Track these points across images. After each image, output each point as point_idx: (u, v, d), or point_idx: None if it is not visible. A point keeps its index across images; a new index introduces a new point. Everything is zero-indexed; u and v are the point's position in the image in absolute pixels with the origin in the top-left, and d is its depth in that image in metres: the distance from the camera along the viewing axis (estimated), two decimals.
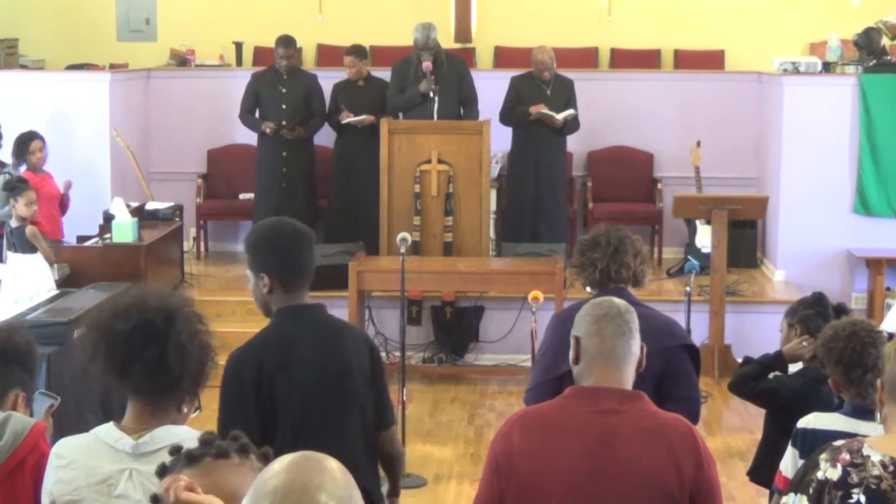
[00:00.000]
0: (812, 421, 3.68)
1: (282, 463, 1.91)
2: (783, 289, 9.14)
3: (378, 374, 3.72)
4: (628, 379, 3.08)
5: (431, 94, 9.00)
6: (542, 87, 9.48)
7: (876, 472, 2.80)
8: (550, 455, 2.97)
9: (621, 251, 4.25)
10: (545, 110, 9.31)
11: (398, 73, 9.42)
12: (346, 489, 1.89)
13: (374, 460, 3.77)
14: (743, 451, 6.90)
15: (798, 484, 2.92)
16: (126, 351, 2.82)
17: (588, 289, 4.37)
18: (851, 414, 3.67)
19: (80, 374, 5.60)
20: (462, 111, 9.34)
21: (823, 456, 2.89)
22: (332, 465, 1.91)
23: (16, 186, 7.75)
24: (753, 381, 4.45)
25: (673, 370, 4.16)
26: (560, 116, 9.31)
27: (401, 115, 9.35)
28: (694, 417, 4.23)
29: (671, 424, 3.02)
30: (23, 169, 8.48)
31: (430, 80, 9.10)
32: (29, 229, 7.63)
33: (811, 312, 4.41)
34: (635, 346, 3.09)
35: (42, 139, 8.59)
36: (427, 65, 9.13)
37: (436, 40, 9.30)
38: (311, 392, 3.54)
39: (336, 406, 3.60)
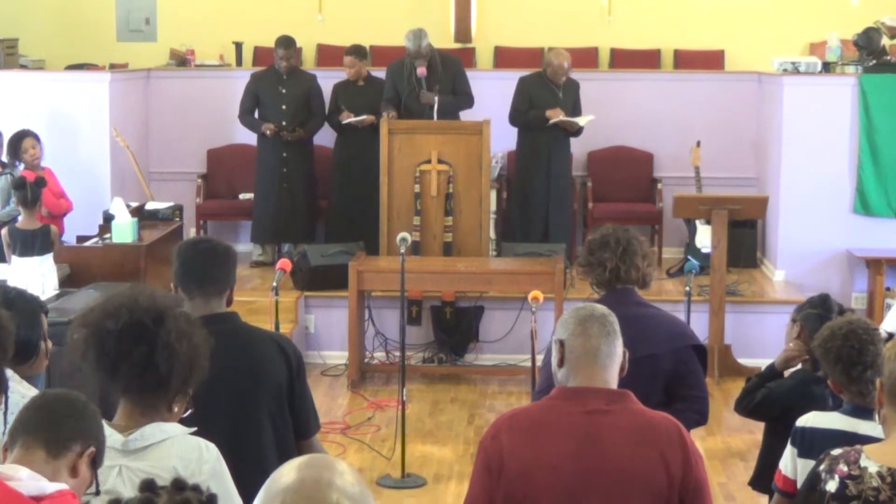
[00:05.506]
0: (811, 420, 3.67)
1: (293, 463, 1.94)
2: (783, 289, 9.14)
3: (297, 382, 3.62)
4: (614, 379, 3.08)
5: (435, 106, 8.99)
6: (554, 90, 9.29)
7: (874, 483, 2.78)
8: (540, 456, 2.97)
9: (630, 252, 4.26)
10: (563, 116, 9.19)
11: (391, 75, 9.36)
12: (358, 487, 1.91)
13: None
14: (743, 452, 6.90)
15: (803, 500, 2.91)
16: (115, 350, 2.85)
17: (595, 288, 4.38)
18: (851, 413, 3.66)
19: (71, 372, 5.58)
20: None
21: (823, 467, 2.87)
22: (343, 465, 1.94)
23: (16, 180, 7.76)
24: (753, 394, 4.44)
25: (682, 370, 4.20)
26: (583, 122, 9.23)
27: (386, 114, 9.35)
28: (703, 417, 4.25)
29: (659, 423, 3.03)
30: (21, 168, 8.49)
31: (434, 91, 9.03)
32: (53, 228, 7.63)
33: (813, 312, 4.40)
34: (619, 348, 3.11)
35: (35, 136, 8.59)
36: (421, 70, 9.10)
37: (429, 45, 9.18)
38: (213, 405, 3.40)
39: (242, 419, 3.51)
